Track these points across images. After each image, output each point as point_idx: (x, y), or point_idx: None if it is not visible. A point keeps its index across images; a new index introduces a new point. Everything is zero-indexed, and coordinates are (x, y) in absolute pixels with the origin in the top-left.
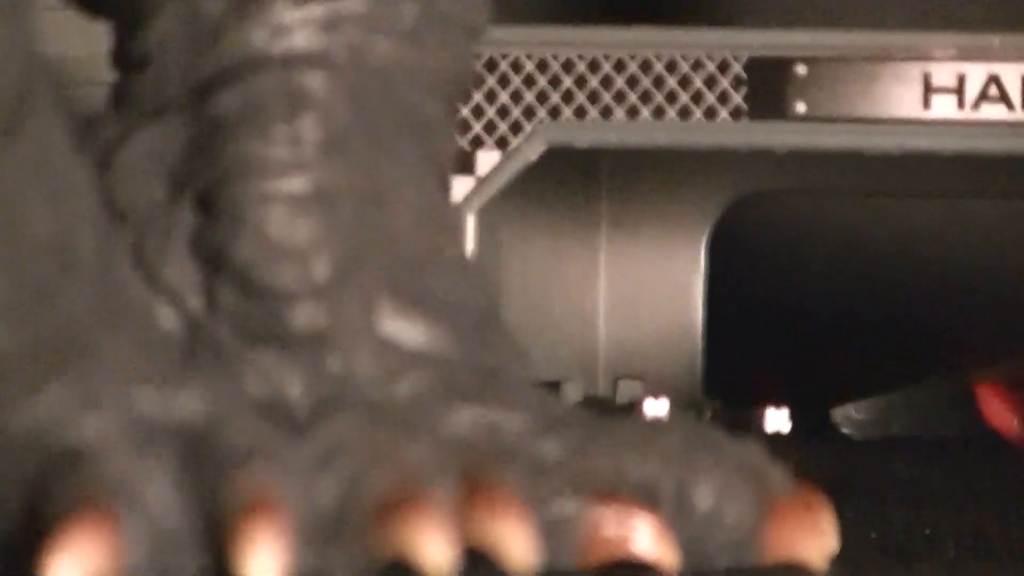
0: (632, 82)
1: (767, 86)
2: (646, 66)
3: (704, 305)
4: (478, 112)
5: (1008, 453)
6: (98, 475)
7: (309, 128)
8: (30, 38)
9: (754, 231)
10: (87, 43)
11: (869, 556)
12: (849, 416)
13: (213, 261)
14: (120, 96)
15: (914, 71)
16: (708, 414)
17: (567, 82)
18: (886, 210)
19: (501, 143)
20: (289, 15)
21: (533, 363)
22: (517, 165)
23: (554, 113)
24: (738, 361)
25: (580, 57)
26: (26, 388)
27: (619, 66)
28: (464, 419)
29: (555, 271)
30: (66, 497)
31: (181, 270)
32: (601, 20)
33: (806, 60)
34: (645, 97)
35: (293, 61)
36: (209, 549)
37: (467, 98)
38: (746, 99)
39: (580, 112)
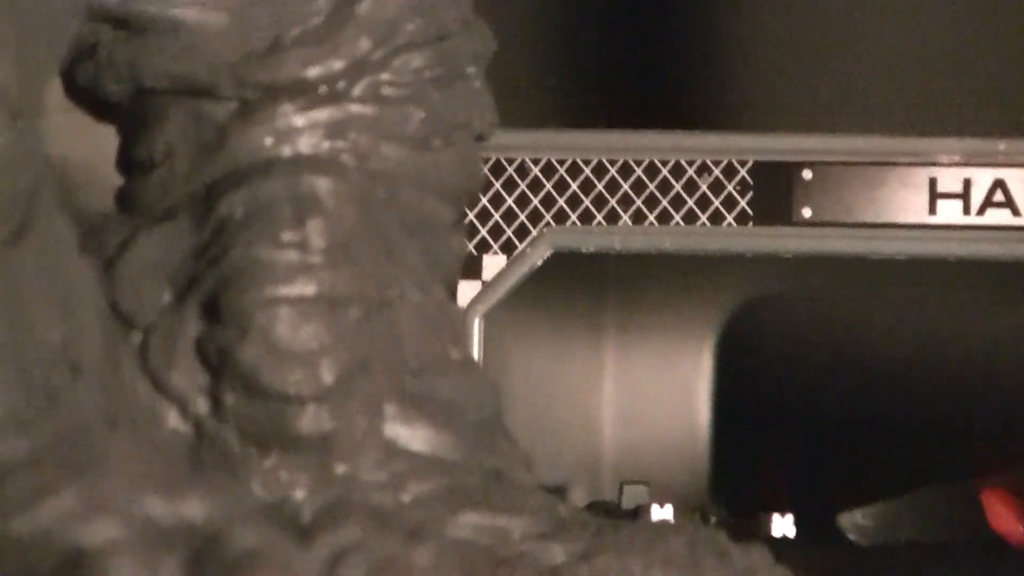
0: (638, 186)
1: (773, 191)
2: (652, 170)
3: (711, 410)
4: (484, 216)
5: (1013, 558)
6: None
7: (316, 232)
8: (38, 141)
9: (760, 336)
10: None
11: None
12: (854, 521)
13: (219, 365)
14: (126, 199)
15: (920, 176)
16: (713, 519)
17: (573, 186)
18: (892, 314)
19: (507, 247)
20: (296, 119)
21: (538, 467)
22: (523, 269)
23: (560, 217)
24: (744, 466)
25: (586, 161)
26: (34, 491)
27: (625, 170)
28: (470, 523)
29: (561, 375)
30: None
31: (187, 374)
32: (607, 125)
33: (812, 165)
34: (651, 202)
35: (300, 165)
36: None
37: (474, 202)
38: (751, 204)
39: (586, 217)
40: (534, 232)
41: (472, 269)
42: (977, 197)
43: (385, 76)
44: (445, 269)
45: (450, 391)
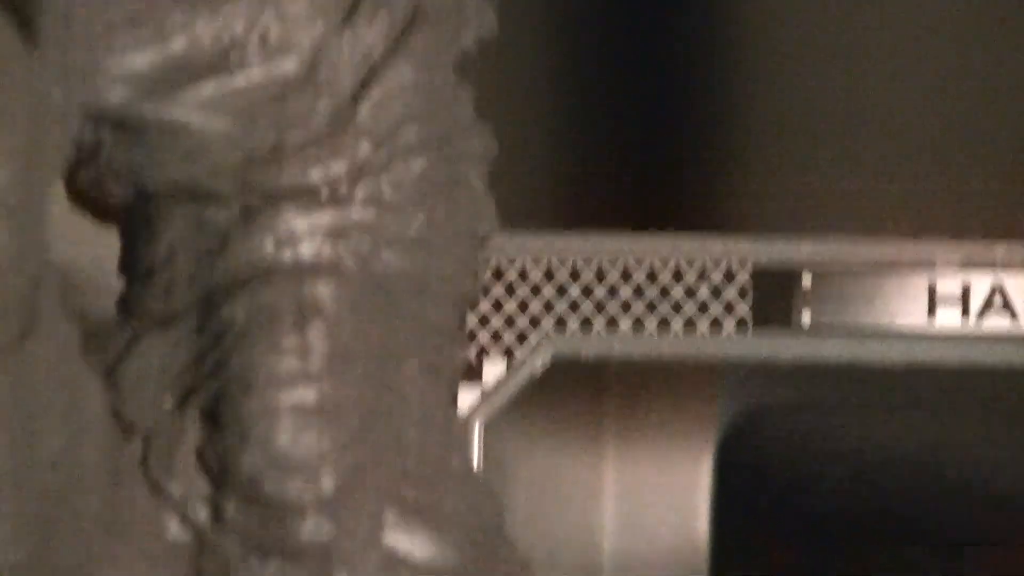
0: (638, 292)
1: (772, 296)
2: (652, 275)
3: (710, 516)
4: (484, 322)
5: None
6: None
7: (317, 339)
8: (41, 244)
9: (759, 443)
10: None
11: None
12: None
13: (219, 472)
14: (128, 304)
15: (919, 282)
16: None
17: (573, 292)
18: (890, 421)
19: (507, 354)
20: (297, 224)
21: (538, 573)
22: (523, 376)
23: (560, 323)
24: (743, 572)
25: (587, 264)
26: None
27: (625, 274)
28: None
29: (561, 483)
30: None
31: (188, 481)
32: (608, 228)
33: (812, 270)
34: (651, 307)
35: (302, 271)
36: None
37: (474, 306)
38: (751, 309)
39: (586, 323)
40: (534, 339)
41: (472, 375)
42: (976, 303)
43: (386, 180)
44: (445, 375)
45: (450, 499)
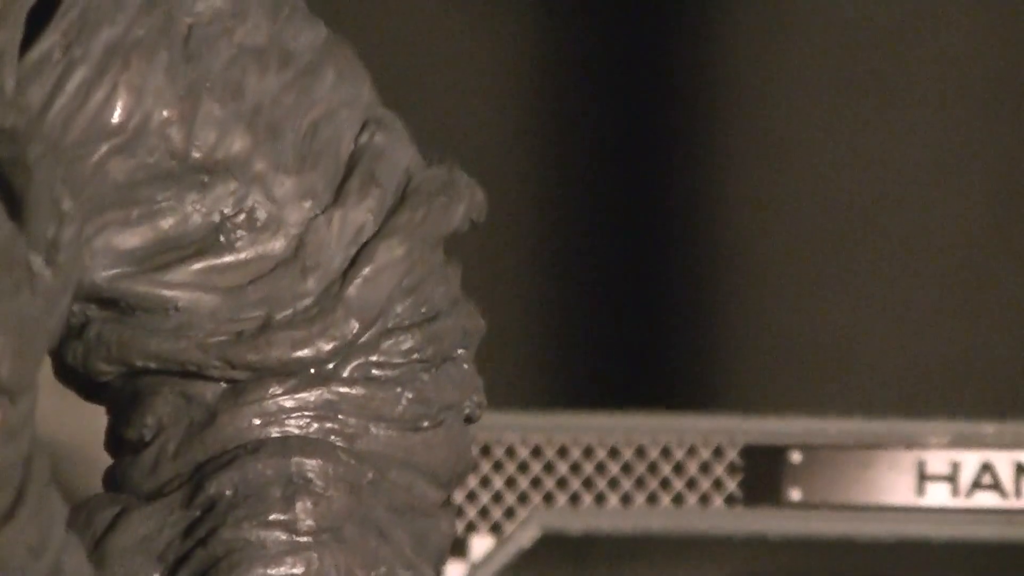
0: (626, 468)
1: (762, 473)
2: (640, 452)
3: None
4: (472, 497)
5: None
6: None
7: (305, 514)
8: (31, 418)
9: None
10: (82, 427)
11: None
12: None
13: None
14: (115, 479)
15: (908, 459)
16: None
17: (562, 469)
18: None
19: (495, 528)
20: (285, 401)
21: None
22: (511, 551)
23: (548, 499)
24: None
25: (575, 442)
26: None
27: (613, 452)
28: None
29: None
30: None
31: None
32: (596, 406)
33: (801, 447)
34: (639, 483)
35: (289, 446)
36: None
37: (462, 483)
38: (741, 485)
39: (574, 498)
40: (522, 514)
41: (460, 550)
42: (965, 480)
43: (374, 358)
44: (434, 551)
45: None
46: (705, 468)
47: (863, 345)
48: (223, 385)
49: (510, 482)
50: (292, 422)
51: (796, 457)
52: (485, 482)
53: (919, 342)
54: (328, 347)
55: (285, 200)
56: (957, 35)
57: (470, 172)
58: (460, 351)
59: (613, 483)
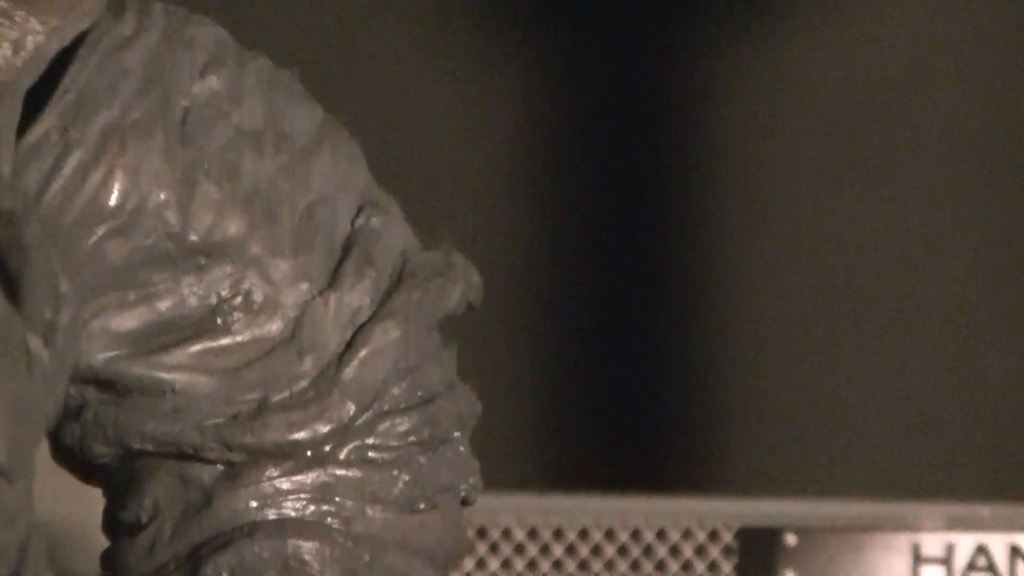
0: (622, 551)
1: (757, 555)
2: (636, 535)
3: None
4: None
5: None
6: None
7: None
8: (28, 499)
9: None
10: (79, 509)
11: None
12: None
13: None
14: (111, 561)
15: (903, 541)
16: None
17: (557, 551)
18: None
19: None
20: (281, 483)
21: None
22: None
23: None
24: None
25: (570, 525)
26: None
27: (609, 534)
28: None
29: None
30: None
31: None
32: (592, 488)
33: (796, 529)
34: (635, 566)
35: (285, 528)
36: None
37: (458, 565)
38: (736, 568)
39: None
40: None
41: None
42: (960, 562)
43: (371, 440)
44: None
45: None
46: (700, 551)
47: (857, 426)
48: (220, 467)
49: (506, 564)
50: (288, 504)
51: (791, 539)
52: (481, 564)
53: (913, 423)
54: (325, 429)
55: (282, 283)
56: (949, 106)
57: (464, 252)
58: (456, 433)
59: (609, 565)
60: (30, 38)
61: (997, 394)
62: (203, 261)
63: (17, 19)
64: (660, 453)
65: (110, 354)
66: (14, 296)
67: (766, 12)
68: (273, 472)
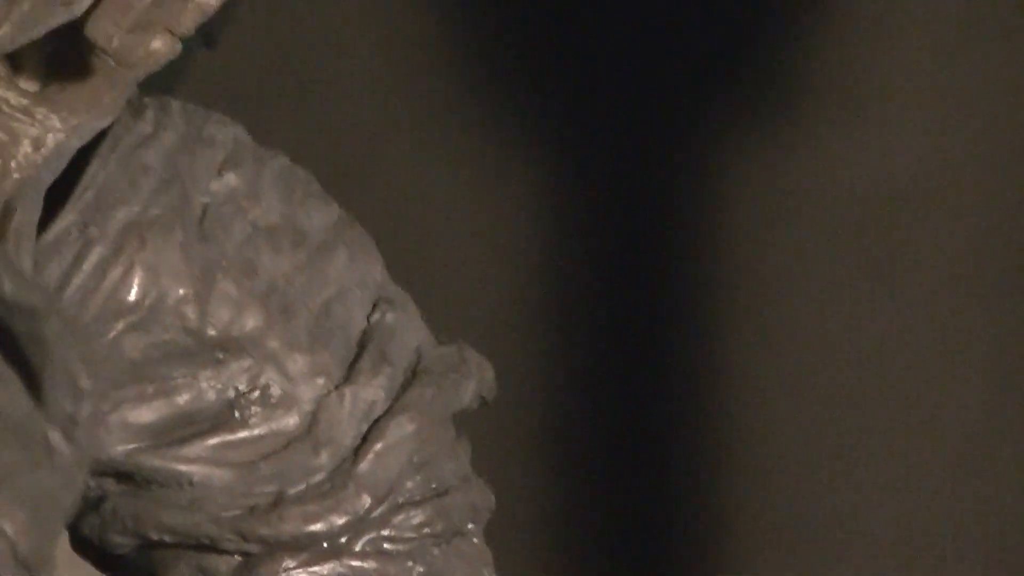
0: None
1: None
2: None
3: None
4: None
5: None
6: None
7: None
8: None
9: None
10: None
11: None
12: None
13: None
14: None
15: None
16: None
17: None
18: None
19: None
20: (297, 574)
21: None
22: None
23: None
24: None
25: None
26: None
27: None
28: None
29: None
30: None
31: None
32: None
33: None
34: None
35: None
36: None
37: None
38: None
39: None
40: None
41: None
42: None
43: (386, 532)
44: None
45: None
46: None
47: (861, 526)
48: (237, 558)
49: None
50: None
51: None
52: None
53: (918, 523)
54: (341, 521)
55: (298, 377)
56: (958, 216)
57: (477, 347)
58: (470, 526)
59: None
60: (51, 136)
61: (1002, 494)
62: (221, 356)
63: (38, 116)
64: (667, 552)
65: (129, 446)
66: (35, 390)
67: (775, 120)
68: (290, 563)
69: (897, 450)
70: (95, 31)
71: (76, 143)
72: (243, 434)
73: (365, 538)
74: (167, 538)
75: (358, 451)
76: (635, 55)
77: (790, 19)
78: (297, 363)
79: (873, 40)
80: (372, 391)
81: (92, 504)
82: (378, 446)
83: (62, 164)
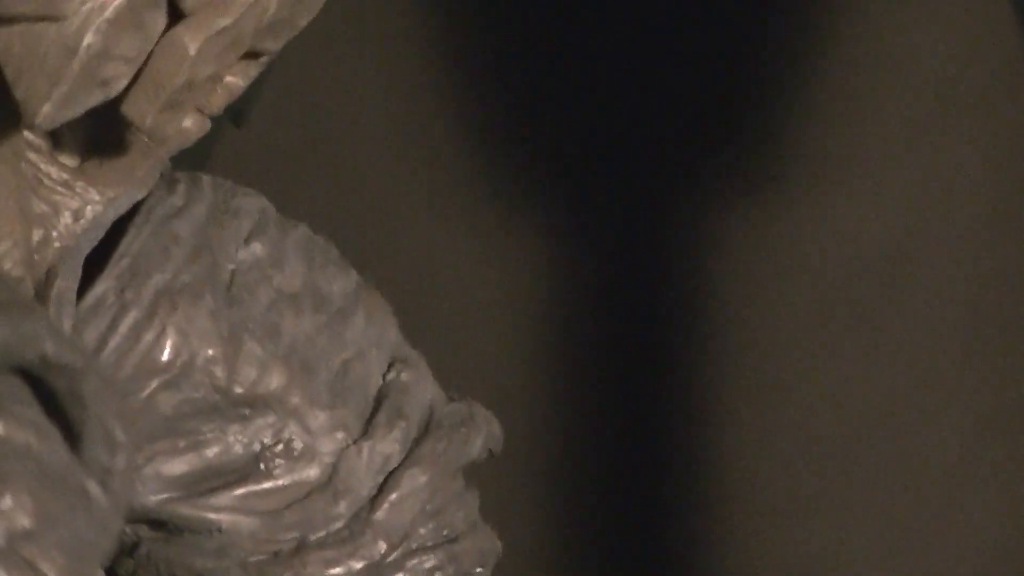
0: None
1: None
2: None
3: None
4: None
5: None
6: None
7: None
8: None
9: None
10: None
11: None
12: None
13: None
14: None
15: None
16: None
17: None
18: None
19: None
20: None
21: None
22: None
23: None
24: None
25: None
26: None
27: None
28: None
29: None
30: None
31: None
32: None
33: None
34: None
35: None
36: None
37: None
38: None
39: None
40: None
41: None
42: None
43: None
44: None
45: None
46: None
47: (851, 554)
48: None
49: None
50: None
51: None
52: None
53: (901, 558)
54: (359, 566)
55: (319, 432)
56: (944, 273)
57: (485, 402)
58: (479, 569)
59: None
60: (89, 208)
61: (983, 545)
62: (247, 412)
63: (78, 189)
64: (675, 553)
65: (162, 496)
66: (74, 443)
67: (762, 179)
68: None
69: (879, 505)
70: (131, 110)
71: (113, 214)
72: (268, 485)
73: None
74: None
75: (375, 500)
76: (635, 126)
77: (780, 90)
78: (318, 418)
79: (859, 111)
80: (388, 444)
81: (127, 549)
82: (393, 496)
83: (100, 234)
